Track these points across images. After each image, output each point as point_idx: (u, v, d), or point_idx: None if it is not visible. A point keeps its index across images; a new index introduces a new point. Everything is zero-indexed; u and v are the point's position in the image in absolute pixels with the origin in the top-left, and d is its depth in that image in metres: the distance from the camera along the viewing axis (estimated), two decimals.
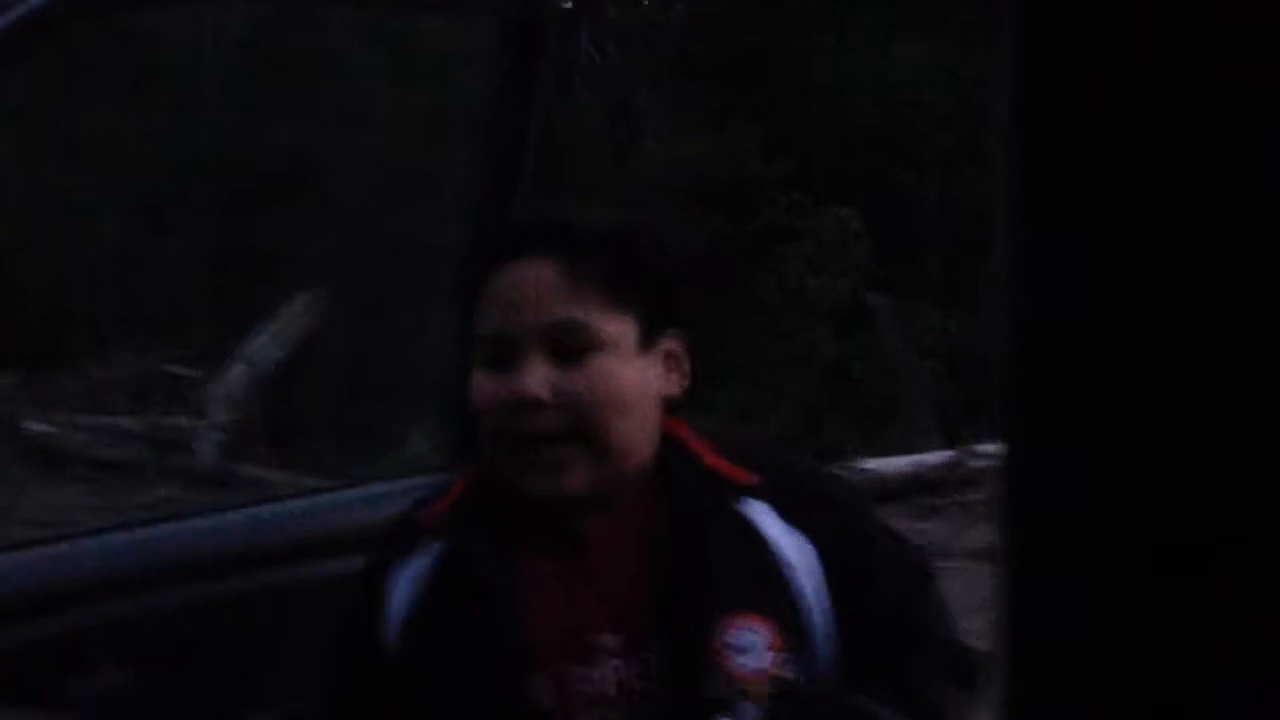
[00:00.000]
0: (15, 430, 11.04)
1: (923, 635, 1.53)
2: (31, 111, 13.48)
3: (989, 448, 10.85)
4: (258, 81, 14.86)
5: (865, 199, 12.89)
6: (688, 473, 1.51)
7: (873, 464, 10.75)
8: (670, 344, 1.55)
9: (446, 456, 1.89)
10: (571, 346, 1.46)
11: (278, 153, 13.79)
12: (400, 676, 1.47)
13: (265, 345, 10.62)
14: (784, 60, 14.11)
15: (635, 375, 1.49)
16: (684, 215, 12.13)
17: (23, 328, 13.77)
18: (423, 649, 1.47)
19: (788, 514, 1.50)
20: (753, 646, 1.43)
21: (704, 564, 1.47)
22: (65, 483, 9.74)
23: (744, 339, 12.43)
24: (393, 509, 1.77)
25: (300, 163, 13.58)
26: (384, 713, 1.49)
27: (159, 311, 14.22)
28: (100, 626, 1.53)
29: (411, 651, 1.48)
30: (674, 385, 1.55)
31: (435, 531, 1.52)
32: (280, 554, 1.66)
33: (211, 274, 14.33)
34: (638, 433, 1.49)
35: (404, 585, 1.50)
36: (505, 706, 1.44)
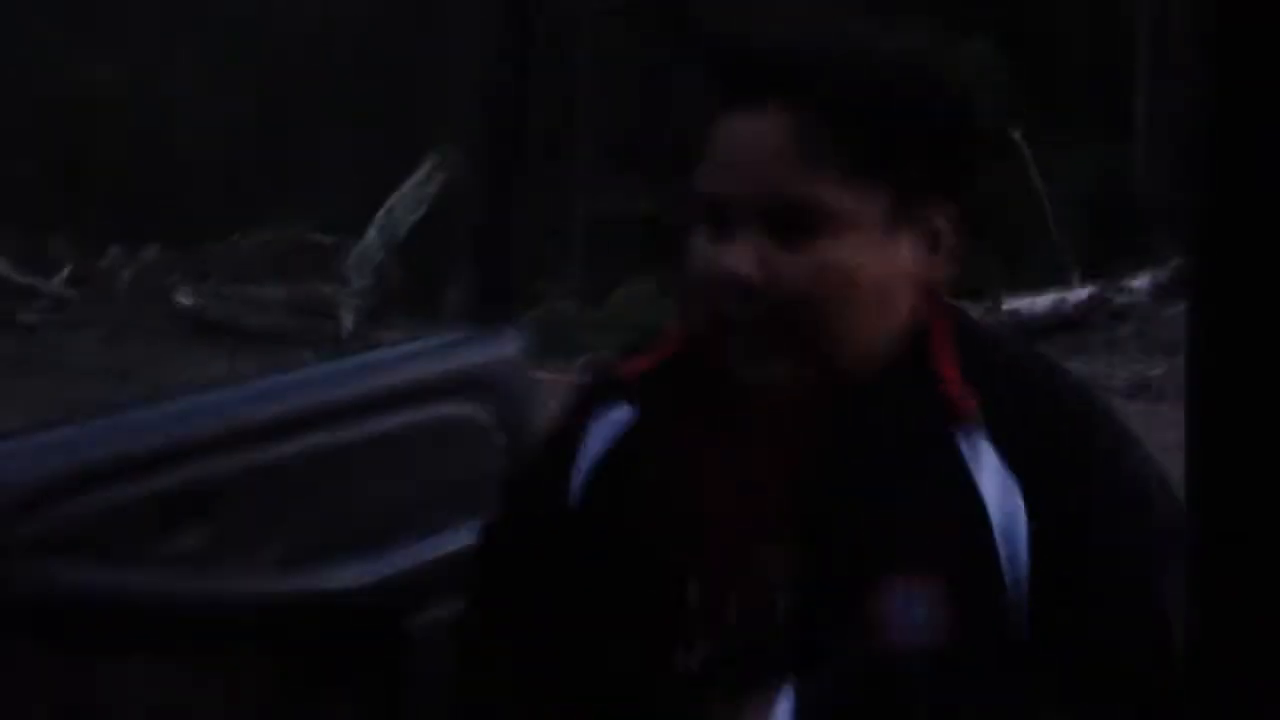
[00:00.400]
0: (165, 302, 11.36)
1: (1131, 647, 1.15)
2: None
3: (1134, 282, 10.58)
4: None
5: (1003, 28, 12.48)
6: (914, 388, 1.21)
7: (1015, 303, 10.56)
8: (935, 217, 1.22)
9: (473, 310, 1.87)
10: (793, 226, 1.18)
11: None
12: (577, 529, 1.32)
13: (399, 208, 10.73)
14: None
15: (878, 262, 1.19)
16: None
17: (168, 202, 14.09)
18: (601, 510, 1.30)
19: (1010, 454, 1.18)
20: (917, 618, 1.15)
21: (888, 499, 1.18)
22: (213, 351, 10.02)
23: None
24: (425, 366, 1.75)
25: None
26: (547, 560, 1.34)
27: (300, 180, 14.43)
28: (183, 487, 1.56)
29: (592, 507, 1.31)
30: (936, 268, 1.23)
31: (630, 390, 1.32)
32: (348, 410, 1.67)
33: (348, 141, 14.47)
34: (871, 329, 1.21)
35: (597, 438, 1.32)
36: (659, 593, 1.24)
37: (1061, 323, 10.31)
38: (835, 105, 1.17)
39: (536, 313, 9.96)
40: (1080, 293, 10.62)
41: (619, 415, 1.31)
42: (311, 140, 14.89)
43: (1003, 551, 1.15)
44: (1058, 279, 11.13)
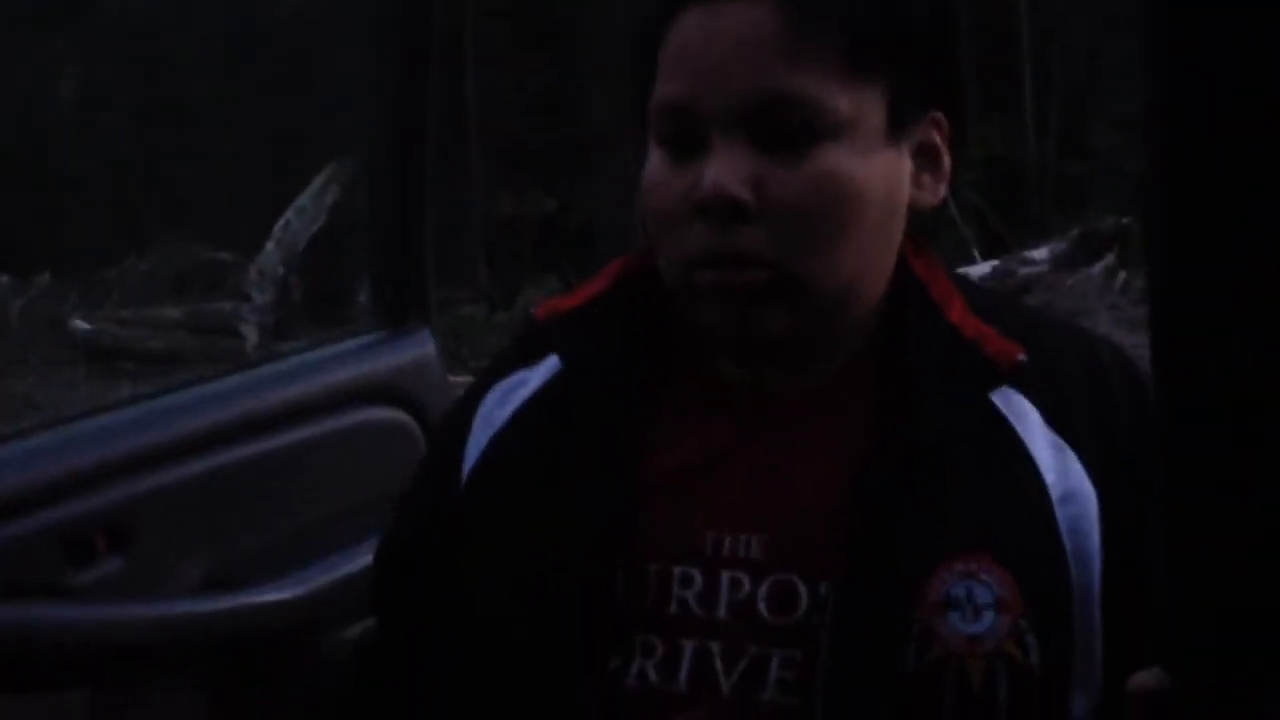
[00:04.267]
0: (61, 329, 11.13)
1: None
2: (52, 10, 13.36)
3: (1034, 253, 10.72)
4: None
5: None
6: (927, 335, 1.04)
7: None
8: (930, 130, 1.06)
9: (383, 313, 1.83)
10: (787, 131, 0.99)
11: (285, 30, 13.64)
12: (462, 531, 1.11)
13: (296, 220, 10.60)
14: None
15: (880, 175, 1.02)
16: None
17: (58, 228, 13.82)
18: (492, 498, 1.09)
19: (1056, 416, 1.03)
20: (979, 604, 0.99)
21: (928, 477, 1.01)
22: (114, 377, 9.83)
23: None
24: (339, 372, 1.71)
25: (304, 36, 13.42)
26: (439, 574, 1.14)
27: (192, 200, 14.23)
28: (95, 513, 1.50)
29: (479, 500, 1.10)
30: (927, 191, 1.06)
31: (557, 339, 1.11)
32: (263, 421, 1.62)
33: (240, 158, 14.28)
34: (874, 261, 1.04)
35: (495, 411, 1.12)
36: (567, 594, 1.03)
37: None
38: None
39: (444, 318, 9.88)
40: (983, 267, 10.73)
41: (531, 377, 1.12)
42: (202, 157, 14.68)
43: (1061, 520, 1.01)
44: (959, 255, 11.25)
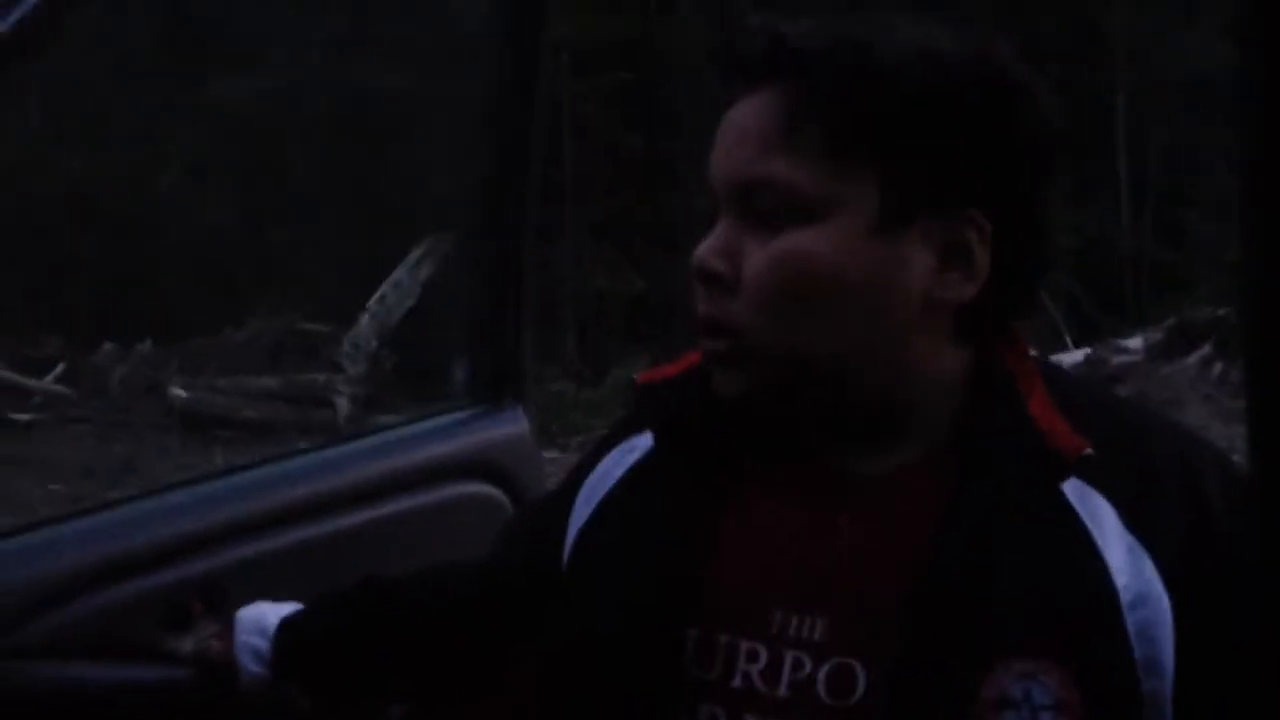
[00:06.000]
0: (159, 396, 11.33)
1: None
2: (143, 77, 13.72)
3: (1128, 342, 10.59)
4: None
5: None
6: (1004, 426, 1.05)
7: None
8: (964, 228, 1.05)
9: (479, 390, 1.85)
10: (762, 211, 1.06)
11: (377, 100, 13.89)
12: (563, 588, 1.18)
13: (391, 295, 10.75)
14: None
15: (865, 264, 1.04)
16: None
17: (160, 297, 14.11)
18: (592, 555, 1.16)
19: (1133, 512, 1.02)
20: (1037, 706, 0.98)
21: (995, 570, 1.00)
22: (210, 444, 9.98)
23: None
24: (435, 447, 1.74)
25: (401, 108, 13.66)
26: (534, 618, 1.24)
27: (290, 271, 14.47)
28: (193, 579, 1.53)
29: (577, 563, 1.17)
30: (953, 289, 1.06)
31: (650, 411, 1.18)
32: (360, 493, 1.65)
33: (337, 230, 14.53)
34: (858, 342, 1.05)
35: (612, 470, 1.19)
36: (638, 649, 1.09)
37: None
38: (822, 81, 1.04)
39: (535, 394, 9.93)
40: (1076, 355, 10.62)
41: (636, 442, 1.19)
42: (301, 230, 14.95)
43: (1130, 625, 0.99)
44: (1053, 343, 11.14)
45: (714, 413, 1.12)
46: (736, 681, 1.06)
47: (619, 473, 1.18)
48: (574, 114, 14.77)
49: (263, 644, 1.44)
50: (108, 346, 12.69)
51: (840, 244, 1.04)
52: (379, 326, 10.67)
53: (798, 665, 1.05)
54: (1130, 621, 0.99)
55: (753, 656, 1.06)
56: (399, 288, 10.73)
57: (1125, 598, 0.99)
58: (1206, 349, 9.92)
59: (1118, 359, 10.49)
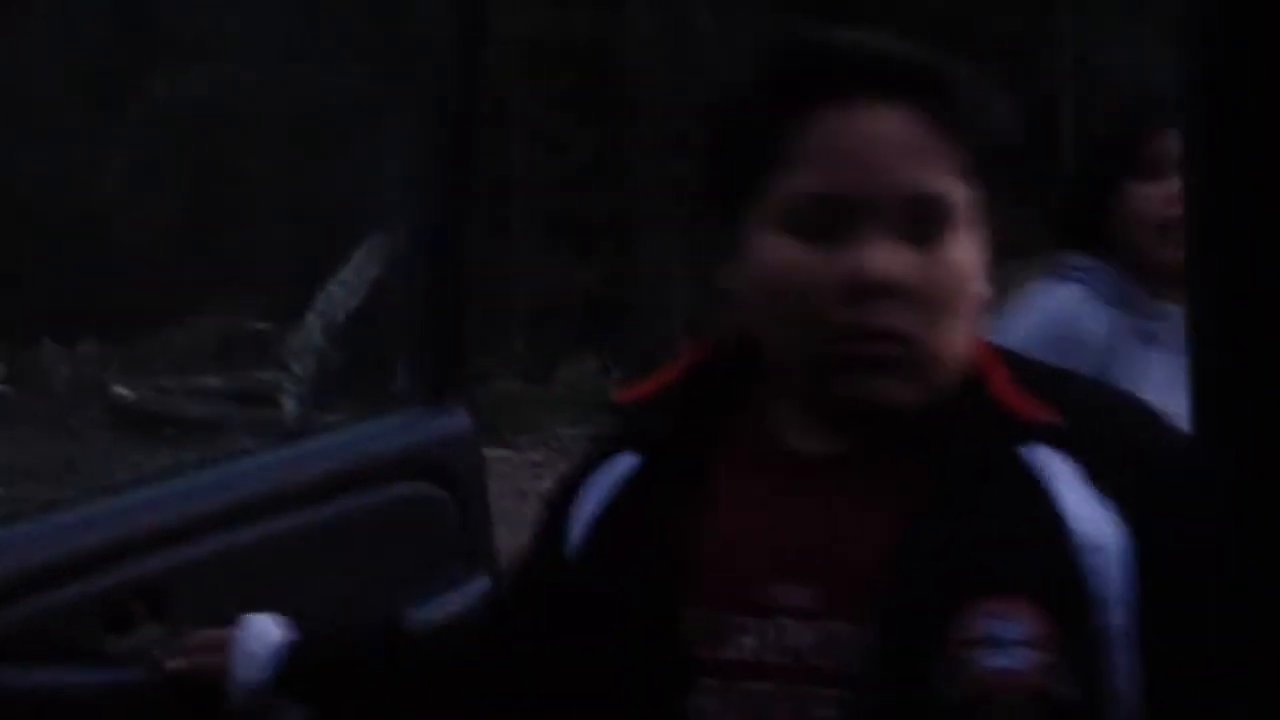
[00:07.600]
0: (103, 395, 11.23)
1: None
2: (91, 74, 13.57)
3: None
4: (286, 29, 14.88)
5: None
6: (968, 403, 1.16)
7: None
8: (990, 226, 1.21)
9: (421, 390, 1.86)
10: (928, 224, 1.14)
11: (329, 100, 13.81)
12: (574, 589, 1.24)
13: (338, 292, 10.69)
14: None
15: (977, 263, 1.17)
16: None
17: (103, 296, 13.98)
18: (593, 561, 1.24)
19: (1097, 476, 1.12)
20: (1009, 641, 1.08)
21: (962, 523, 1.11)
22: (155, 443, 9.90)
23: None
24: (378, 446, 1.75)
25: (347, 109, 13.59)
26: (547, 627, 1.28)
27: (235, 269, 14.37)
28: (135, 582, 1.53)
29: (584, 563, 1.24)
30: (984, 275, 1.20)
31: (631, 430, 1.27)
32: (302, 494, 1.65)
33: (281, 229, 14.44)
34: (969, 338, 1.17)
35: (600, 486, 1.26)
36: (649, 642, 1.17)
37: None
38: (955, 105, 1.15)
39: (482, 391, 9.92)
40: None
41: (619, 458, 1.26)
42: (245, 229, 14.85)
43: (1089, 567, 1.10)
44: None
45: (695, 424, 1.22)
46: (731, 653, 1.15)
47: (605, 494, 1.25)
48: (524, 111, 14.74)
49: (264, 653, 1.41)
50: (49, 345, 12.56)
51: (972, 248, 1.16)
52: (326, 325, 10.61)
53: (787, 632, 1.14)
54: (1090, 564, 1.10)
55: (745, 629, 1.15)
56: (345, 286, 10.69)
57: (1084, 542, 1.10)
58: None
59: None
